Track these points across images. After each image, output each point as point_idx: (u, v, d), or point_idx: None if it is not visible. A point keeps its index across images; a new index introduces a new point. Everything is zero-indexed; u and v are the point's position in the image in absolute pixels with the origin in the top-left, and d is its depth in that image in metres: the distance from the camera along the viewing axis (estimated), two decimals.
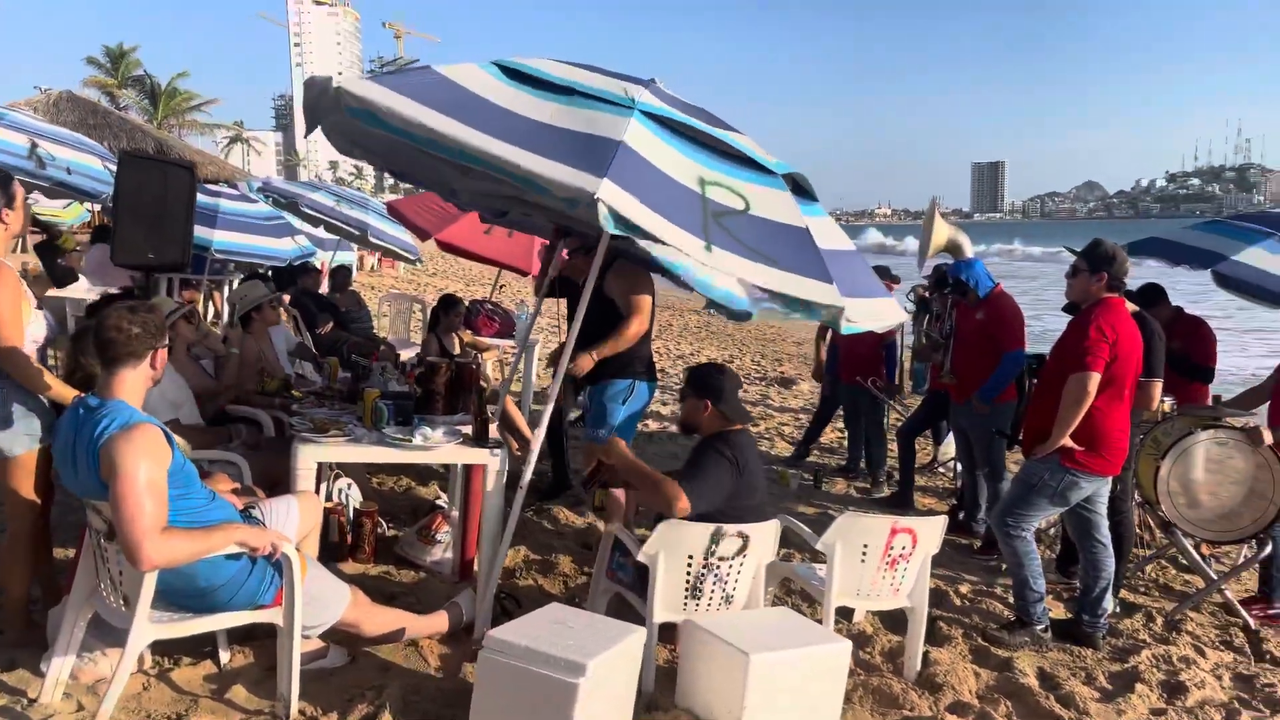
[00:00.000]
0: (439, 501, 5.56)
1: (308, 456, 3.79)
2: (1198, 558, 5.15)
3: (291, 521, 3.52)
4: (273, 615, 3.17)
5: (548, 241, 5.89)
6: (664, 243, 2.93)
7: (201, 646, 3.51)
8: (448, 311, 7.11)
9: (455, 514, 4.89)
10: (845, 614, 4.40)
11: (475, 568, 4.45)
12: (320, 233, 11.16)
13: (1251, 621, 4.84)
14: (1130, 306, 4.42)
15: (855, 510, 5.23)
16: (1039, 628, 4.43)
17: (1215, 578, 5.08)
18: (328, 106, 3.26)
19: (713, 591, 3.63)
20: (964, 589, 5.13)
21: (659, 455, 7.61)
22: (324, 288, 10.05)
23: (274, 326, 6.00)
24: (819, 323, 7.63)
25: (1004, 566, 5.46)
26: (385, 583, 4.45)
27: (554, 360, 6.13)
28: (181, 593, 3.05)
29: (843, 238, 3.74)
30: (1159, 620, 4.84)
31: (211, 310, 10.93)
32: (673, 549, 3.53)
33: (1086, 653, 4.39)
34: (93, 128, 16.51)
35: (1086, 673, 4.18)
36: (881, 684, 3.79)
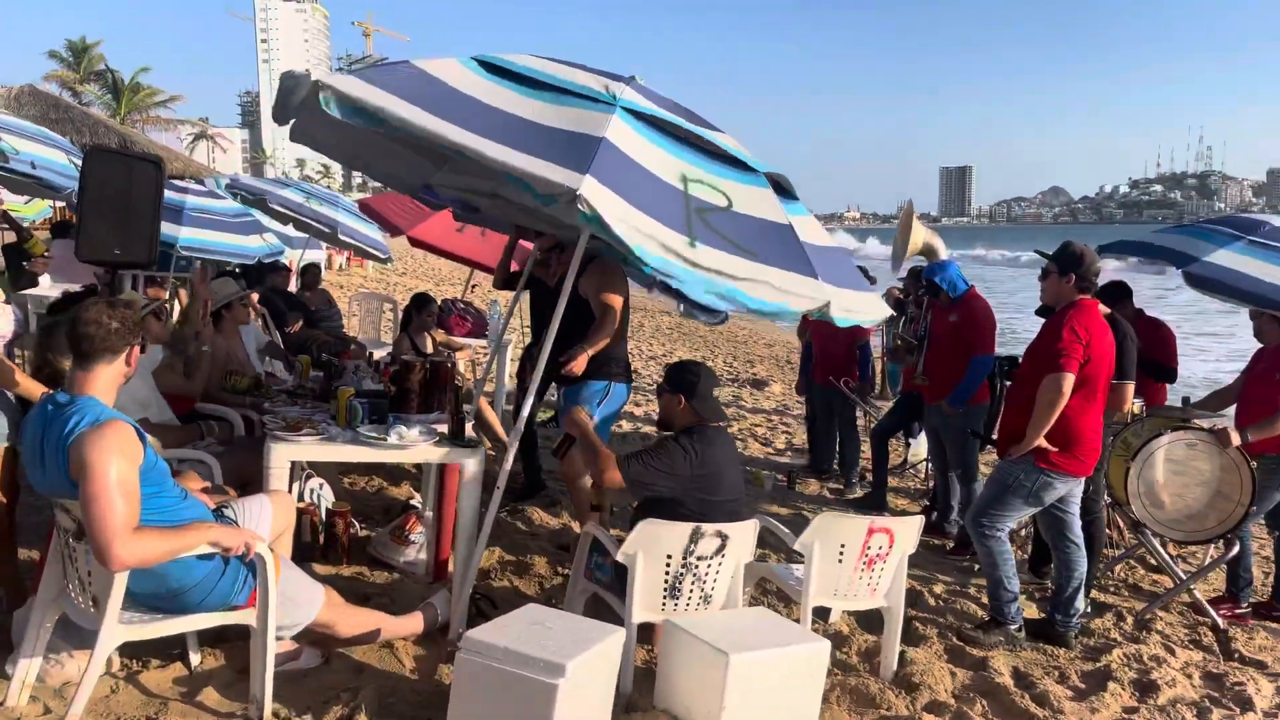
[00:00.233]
0: (412, 502, 5.51)
1: (281, 455, 3.73)
2: (1167, 558, 5.21)
3: (265, 521, 3.46)
4: (246, 616, 3.11)
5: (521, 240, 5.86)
6: (641, 248, 2.91)
7: (171, 648, 3.45)
8: (420, 310, 7.05)
9: (429, 514, 4.85)
10: (821, 614, 4.40)
11: (449, 568, 4.41)
12: (289, 230, 11.02)
13: (1220, 621, 4.90)
14: (1103, 309, 4.46)
15: (832, 510, 5.24)
16: (1013, 627, 4.46)
17: (1184, 578, 5.14)
18: (304, 100, 3.22)
19: (691, 591, 3.62)
20: (938, 589, 5.16)
21: None
22: (293, 286, 9.93)
23: (244, 325, 5.91)
24: (800, 321, 7.63)
25: (977, 567, 5.50)
26: (359, 583, 4.40)
27: (525, 359, 6.11)
28: (152, 594, 2.99)
29: (826, 236, 3.75)
30: (1129, 620, 4.89)
31: (178, 308, 10.77)
32: (651, 549, 3.51)
33: (1060, 652, 4.43)
34: (55, 122, 16.22)
35: (1060, 672, 4.21)
36: (859, 684, 3.80)
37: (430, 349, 6.97)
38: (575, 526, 5.48)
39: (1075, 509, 4.56)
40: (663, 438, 3.84)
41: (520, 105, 3.26)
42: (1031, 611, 4.83)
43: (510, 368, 8.77)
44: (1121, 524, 5.90)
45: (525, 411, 3.84)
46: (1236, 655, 4.60)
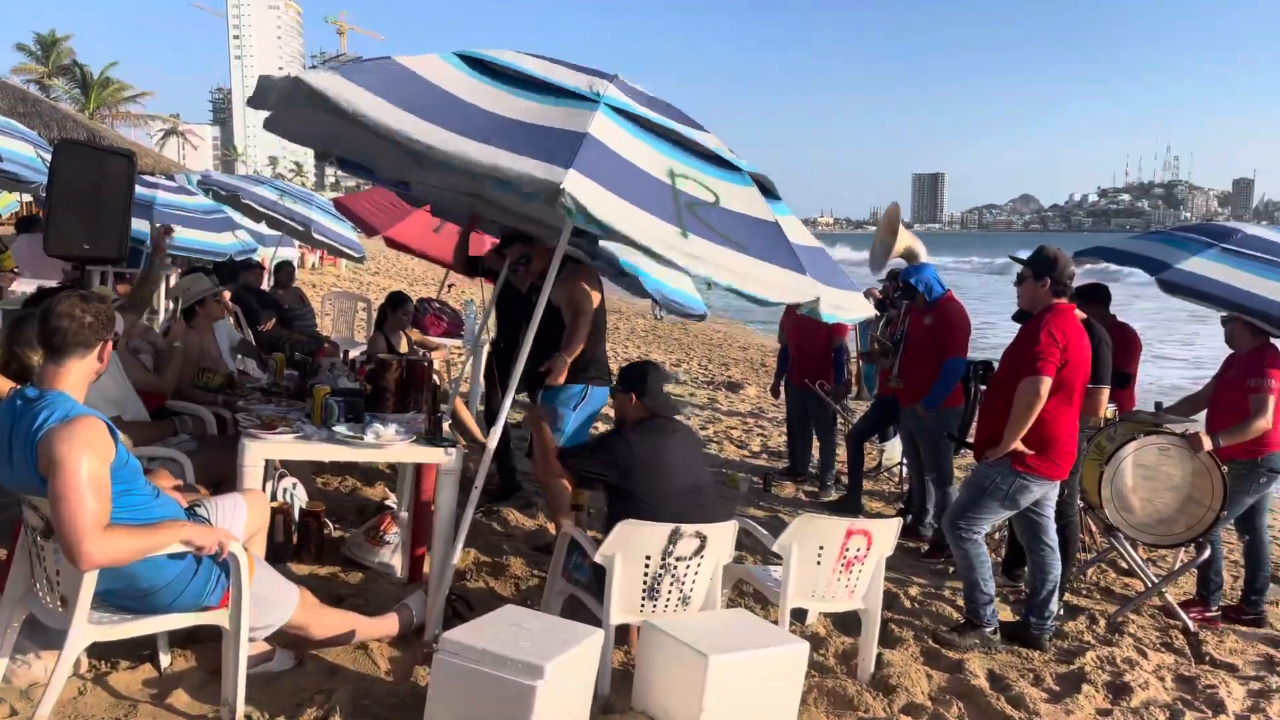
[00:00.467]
0: (387, 502, 5.46)
1: (255, 453, 3.67)
2: (1138, 562, 5.26)
3: (239, 520, 3.40)
4: (218, 617, 3.06)
5: (497, 240, 5.84)
6: (632, 239, 2.89)
7: (141, 649, 3.38)
8: (395, 309, 6.98)
9: (404, 515, 4.80)
10: (798, 615, 4.40)
11: (425, 569, 4.37)
12: (261, 228, 10.91)
13: (1190, 624, 4.95)
14: (1079, 314, 4.50)
15: (809, 512, 5.24)
16: (989, 630, 4.48)
17: (1155, 581, 5.19)
18: (282, 93, 3.18)
19: (669, 592, 3.60)
20: (913, 591, 5.17)
21: None
22: (266, 284, 9.82)
23: (219, 321, 5.83)
24: (781, 320, 7.61)
25: (951, 569, 5.53)
26: (333, 584, 4.34)
27: (492, 356, 6.08)
28: (122, 594, 2.93)
29: (811, 237, 3.75)
30: (1102, 622, 4.93)
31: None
32: (630, 549, 3.49)
33: (1034, 654, 4.45)
34: (23, 116, 16.01)
35: (1035, 674, 4.23)
36: (836, 686, 3.80)
37: (405, 348, 6.91)
38: (550, 528, 5.45)
39: (1050, 512, 4.59)
40: (605, 432, 3.98)
41: (502, 102, 3.23)
42: (1006, 614, 4.86)
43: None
44: (1094, 527, 5.95)
45: (504, 413, 3.80)
46: (1208, 658, 4.64)
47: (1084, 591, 5.48)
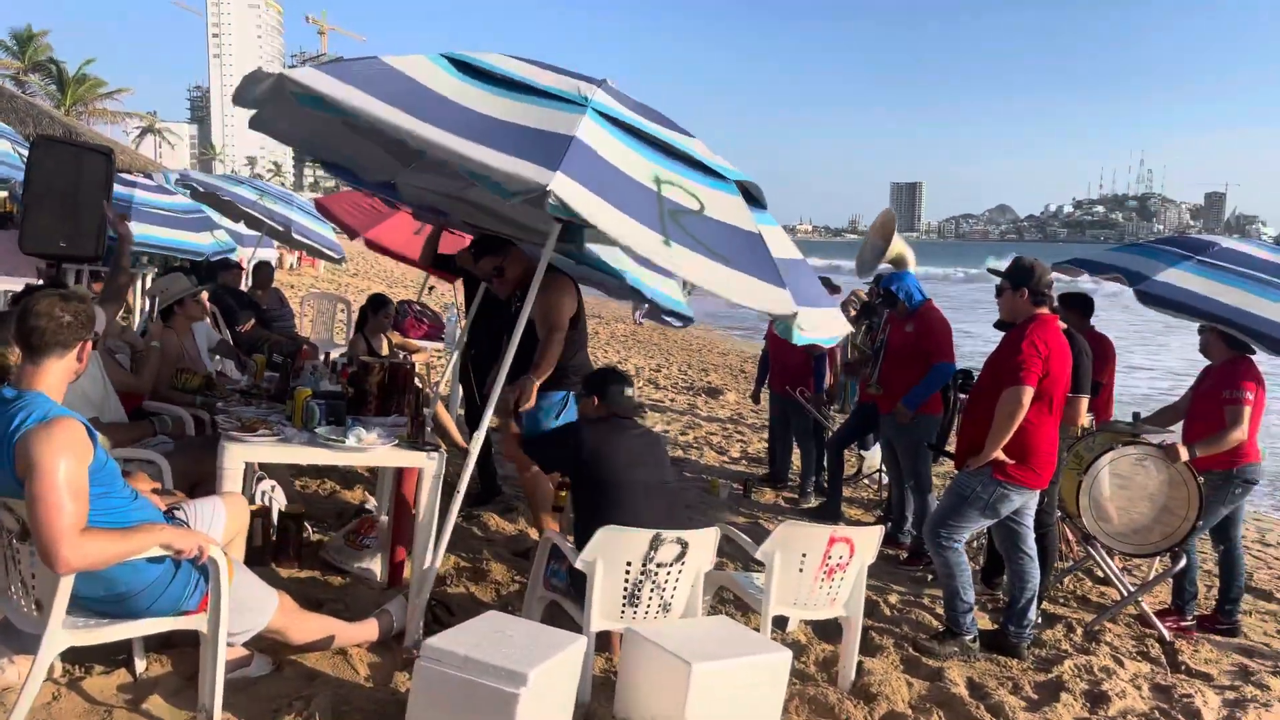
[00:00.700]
0: (367, 506, 5.42)
1: (235, 456, 3.63)
2: (1116, 571, 5.30)
3: (218, 523, 3.37)
4: (196, 622, 3.02)
5: (471, 238, 5.81)
6: (618, 240, 2.89)
7: (116, 654, 3.33)
8: (376, 312, 6.94)
9: (384, 519, 4.76)
10: (779, 623, 4.40)
11: (405, 574, 4.34)
12: (240, 228, 10.82)
13: (1166, 633, 4.99)
14: (1060, 325, 4.53)
15: (789, 519, 5.24)
16: (968, 638, 4.49)
17: (1130, 590, 5.23)
18: (268, 90, 3.15)
19: (650, 599, 3.59)
20: (893, 599, 5.19)
21: None
22: (244, 284, 9.73)
23: (198, 321, 5.78)
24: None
25: (930, 577, 5.55)
26: (312, 589, 4.30)
27: (465, 360, 6.05)
28: (99, 598, 2.89)
29: (792, 247, 3.75)
30: (1079, 631, 4.96)
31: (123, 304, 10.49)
32: (611, 555, 3.48)
33: (1012, 663, 4.47)
34: None
35: (1014, 682, 4.25)
36: (817, 694, 3.79)
37: (386, 351, 6.87)
38: (532, 533, 5.43)
39: (1030, 521, 4.61)
40: (566, 423, 4.45)
41: (489, 104, 3.22)
42: (985, 622, 4.88)
43: None
44: (1071, 536, 5.99)
45: (486, 420, 3.78)
46: (1183, 667, 4.68)
47: (1062, 600, 5.52)
